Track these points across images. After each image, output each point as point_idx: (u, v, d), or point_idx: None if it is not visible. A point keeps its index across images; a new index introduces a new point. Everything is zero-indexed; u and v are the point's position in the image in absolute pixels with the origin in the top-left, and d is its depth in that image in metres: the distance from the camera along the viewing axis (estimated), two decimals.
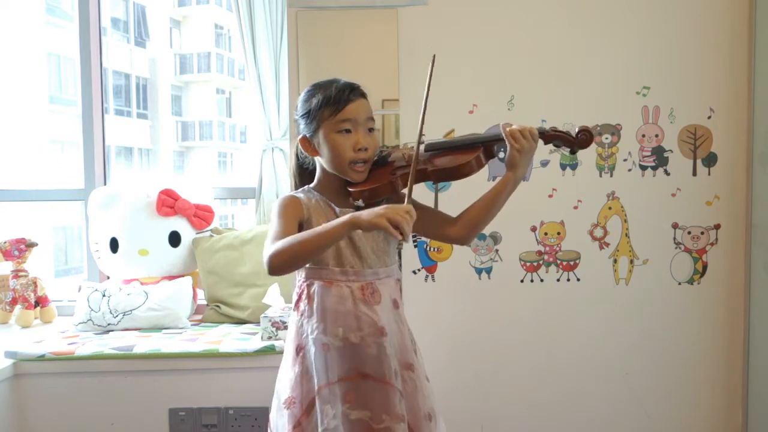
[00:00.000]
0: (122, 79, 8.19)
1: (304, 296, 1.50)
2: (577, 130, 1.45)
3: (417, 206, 1.53)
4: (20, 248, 2.69)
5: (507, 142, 1.43)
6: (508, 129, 1.43)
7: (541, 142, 1.47)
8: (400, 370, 1.50)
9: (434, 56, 1.46)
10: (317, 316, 1.47)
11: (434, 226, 1.53)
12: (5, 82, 3.11)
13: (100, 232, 2.67)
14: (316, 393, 1.46)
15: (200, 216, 2.71)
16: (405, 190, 1.38)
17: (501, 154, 1.93)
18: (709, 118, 2.20)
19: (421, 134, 1.43)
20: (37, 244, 2.73)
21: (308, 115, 1.48)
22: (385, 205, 1.30)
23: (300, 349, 1.49)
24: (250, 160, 3.00)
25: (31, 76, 3.55)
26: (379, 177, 1.47)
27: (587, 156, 2.21)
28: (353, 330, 1.45)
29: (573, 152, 1.49)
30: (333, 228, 1.31)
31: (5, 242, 2.68)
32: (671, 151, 2.21)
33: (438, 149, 1.51)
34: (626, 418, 2.27)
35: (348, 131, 1.45)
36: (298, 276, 1.53)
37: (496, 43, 2.19)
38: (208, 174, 9.45)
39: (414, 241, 2.23)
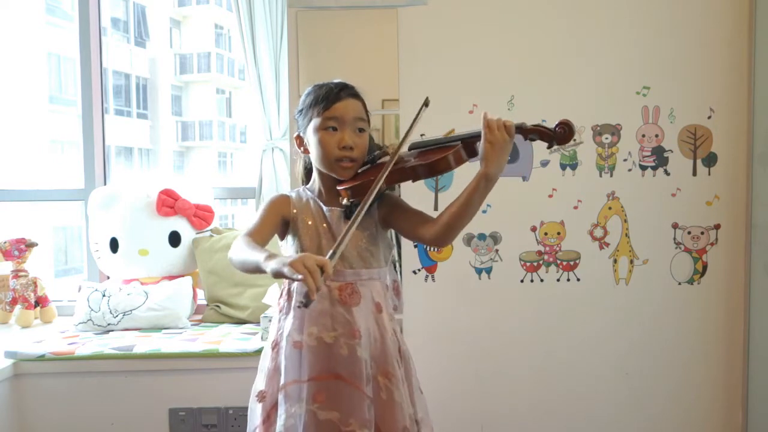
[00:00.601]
0: (122, 79, 8.19)
1: (284, 293, 1.53)
2: (555, 124, 1.38)
3: (399, 207, 1.53)
4: (20, 248, 2.69)
5: (482, 132, 1.36)
6: (487, 117, 1.36)
7: (520, 138, 1.40)
8: (377, 375, 1.47)
9: (427, 98, 1.45)
10: (293, 314, 1.48)
11: (411, 227, 1.50)
12: (5, 82, 3.11)
13: (100, 232, 2.67)
14: (280, 389, 1.47)
15: (200, 216, 2.71)
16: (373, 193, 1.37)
17: None
18: (709, 118, 2.20)
19: (406, 136, 1.44)
20: (37, 244, 2.73)
21: (301, 113, 1.52)
22: (303, 254, 1.23)
23: (275, 345, 1.51)
24: (250, 160, 3.00)
25: (31, 76, 3.55)
26: (364, 176, 1.48)
27: (587, 156, 2.21)
28: (328, 330, 1.46)
29: (550, 146, 1.40)
30: (260, 261, 1.29)
31: (5, 242, 2.68)
32: (671, 151, 2.21)
33: (419, 147, 1.51)
34: (626, 417, 2.27)
35: (334, 129, 1.46)
36: None
37: (496, 43, 2.19)
38: (208, 174, 9.44)
39: (415, 244, 2.22)
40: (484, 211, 2.17)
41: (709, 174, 2.22)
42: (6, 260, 2.68)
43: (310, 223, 1.49)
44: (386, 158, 1.49)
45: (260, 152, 2.74)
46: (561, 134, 1.37)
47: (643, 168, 2.22)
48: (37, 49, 3.71)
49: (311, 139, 1.48)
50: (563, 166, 2.21)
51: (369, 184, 1.42)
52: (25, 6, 3.34)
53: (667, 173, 2.22)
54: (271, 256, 1.27)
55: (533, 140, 1.41)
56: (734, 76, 2.19)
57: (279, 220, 1.49)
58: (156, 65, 8.71)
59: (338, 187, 1.48)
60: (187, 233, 2.68)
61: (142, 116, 8.39)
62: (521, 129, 1.38)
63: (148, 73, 8.54)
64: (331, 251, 1.29)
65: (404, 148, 1.48)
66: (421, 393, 1.57)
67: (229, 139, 9.31)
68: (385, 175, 1.40)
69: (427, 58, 2.17)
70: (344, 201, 1.46)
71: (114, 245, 2.64)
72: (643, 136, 2.21)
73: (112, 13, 7.66)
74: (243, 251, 1.37)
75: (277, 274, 1.24)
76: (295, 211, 1.50)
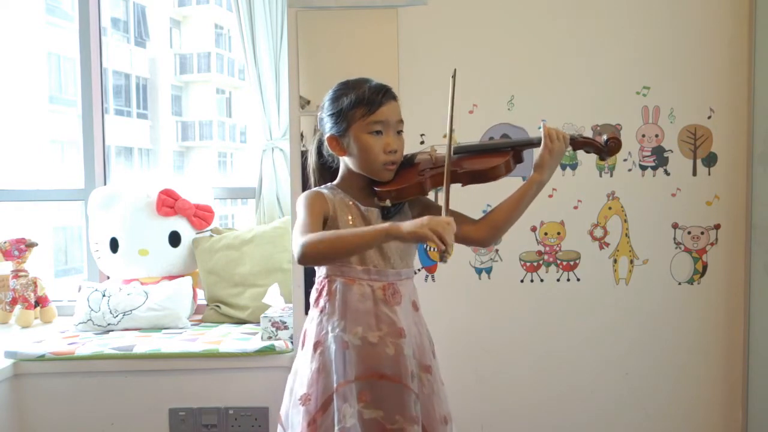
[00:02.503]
0: (122, 79, 8.19)
1: (324, 293, 1.49)
2: (605, 137, 1.48)
3: (427, 206, 1.55)
4: (20, 248, 2.69)
5: (542, 141, 1.46)
6: (548, 128, 1.46)
7: (569, 148, 1.50)
8: (418, 372, 1.50)
9: (455, 70, 1.47)
10: (338, 314, 1.47)
11: (457, 228, 1.51)
12: (5, 82, 3.11)
13: (100, 232, 2.67)
14: (334, 391, 1.44)
15: (200, 216, 2.71)
16: (441, 196, 1.40)
17: None
18: (709, 118, 2.20)
19: (451, 137, 1.45)
20: (37, 244, 2.74)
21: (338, 114, 1.48)
22: (427, 216, 1.29)
23: (318, 346, 1.48)
24: (250, 160, 3.00)
25: (31, 76, 3.55)
26: (406, 178, 1.48)
27: (587, 156, 2.21)
28: (372, 329, 1.46)
29: (602, 159, 1.52)
30: (372, 232, 1.32)
31: (5, 242, 2.68)
32: (671, 151, 2.21)
33: (467, 152, 1.52)
34: (626, 417, 2.26)
35: (379, 132, 1.46)
36: (319, 272, 1.53)
37: (497, 43, 2.19)
38: (208, 174, 9.44)
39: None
40: (484, 211, 2.17)
41: (709, 174, 2.22)
42: (6, 260, 2.69)
43: (350, 221, 1.47)
44: (424, 158, 1.51)
45: (260, 152, 2.74)
46: (612, 147, 1.48)
47: (643, 168, 2.22)
48: (37, 49, 3.71)
49: (353, 143, 1.46)
50: (563, 166, 2.21)
51: (412, 189, 1.45)
52: (25, 6, 3.34)
53: (667, 173, 2.22)
54: (394, 225, 1.31)
55: (588, 152, 1.53)
56: (734, 76, 2.19)
57: (323, 217, 1.46)
58: (156, 65, 8.71)
59: (377, 189, 1.48)
60: (187, 233, 2.68)
61: (142, 116, 8.39)
62: (574, 141, 1.49)
63: (148, 73, 8.54)
64: (443, 211, 1.34)
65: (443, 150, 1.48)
66: (443, 384, 1.60)
67: (229, 139, 9.30)
68: (447, 177, 1.41)
69: (427, 58, 2.17)
70: (386, 203, 1.47)
71: (114, 245, 2.64)
72: (643, 136, 2.21)
73: (112, 13, 7.66)
74: (334, 237, 1.35)
75: (415, 237, 1.28)
76: (332, 207, 1.48)
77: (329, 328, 1.47)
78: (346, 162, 1.51)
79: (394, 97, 1.50)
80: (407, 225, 1.30)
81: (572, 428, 2.27)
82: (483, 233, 1.50)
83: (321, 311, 1.50)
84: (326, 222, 1.47)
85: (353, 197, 1.51)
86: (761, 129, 2.15)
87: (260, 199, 2.76)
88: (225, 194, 2.96)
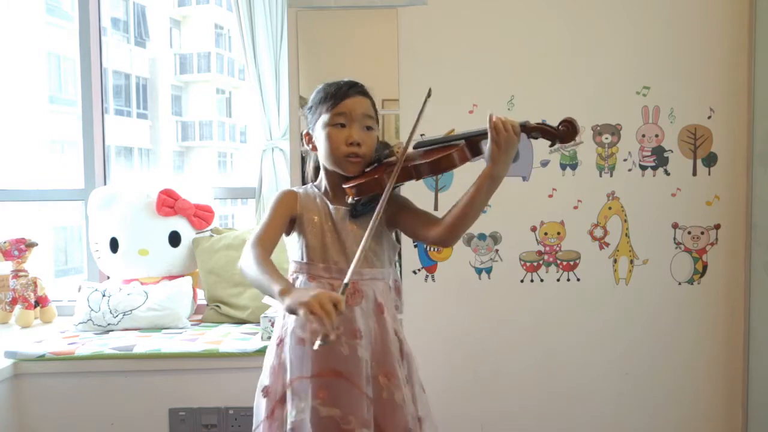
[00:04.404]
0: (122, 79, 8.20)
1: None
2: (559, 122, 1.38)
3: (405, 207, 1.53)
4: (20, 248, 2.69)
5: (488, 133, 1.37)
6: (493, 119, 1.37)
7: (523, 137, 1.40)
8: (378, 375, 1.47)
9: (429, 90, 1.45)
10: None
11: (416, 228, 1.51)
12: (5, 82, 3.11)
13: (100, 232, 2.67)
14: (288, 385, 1.47)
15: (200, 216, 2.71)
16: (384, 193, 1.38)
17: None
18: (709, 118, 2.20)
19: (411, 137, 1.45)
20: (37, 244, 2.73)
21: (310, 110, 1.52)
22: (318, 291, 1.23)
23: (280, 341, 1.52)
24: (250, 160, 3.00)
25: (31, 76, 3.55)
26: (369, 174, 1.48)
27: (587, 156, 2.21)
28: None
29: (553, 144, 1.41)
30: (270, 288, 1.31)
31: (5, 242, 2.68)
32: (671, 151, 2.21)
33: (424, 146, 1.51)
34: (626, 417, 2.27)
35: (342, 125, 1.46)
36: (289, 269, 1.55)
37: (497, 43, 2.19)
38: (208, 174, 9.45)
39: (414, 242, 2.23)
40: (484, 211, 2.17)
41: (709, 174, 2.22)
42: (6, 260, 2.68)
43: (315, 219, 1.49)
44: (393, 158, 1.50)
45: (260, 152, 2.74)
46: (564, 132, 1.37)
47: (643, 168, 2.22)
48: (37, 49, 3.71)
49: (319, 135, 1.49)
50: (563, 166, 2.21)
51: (374, 182, 1.43)
52: (25, 6, 3.34)
53: (667, 173, 2.22)
54: (285, 290, 1.27)
55: (536, 138, 1.41)
56: (734, 76, 2.19)
57: (287, 218, 1.49)
58: (156, 65, 8.72)
59: (344, 185, 1.48)
60: (187, 233, 2.68)
61: (142, 116, 8.39)
62: (525, 128, 1.39)
63: (148, 73, 8.55)
64: (345, 280, 1.28)
65: (410, 148, 1.48)
66: (423, 392, 1.57)
67: (229, 139, 9.31)
68: (397, 174, 1.40)
69: (427, 58, 2.17)
70: (349, 199, 1.47)
71: (114, 245, 2.64)
72: (643, 136, 2.21)
73: (112, 13, 7.67)
74: (256, 270, 1.37)
75: (291, 312, 1.25)
76: (301, 208, 1.50)
77: (288, 324, 1.50)
78: (320, 157, 1.53)
79: (362, 93, 1.50)
80: (294, 294, 1.25)
81: (572, 428, 2.27)
82: (441, 232, 1.43)
83: None
84: (294, 222, 1.51)
85: (326, 195, 1.52)
86: (761, 129, 2.15)
87: (260, 199, 2.75)
88: (225, 194, 2.96)
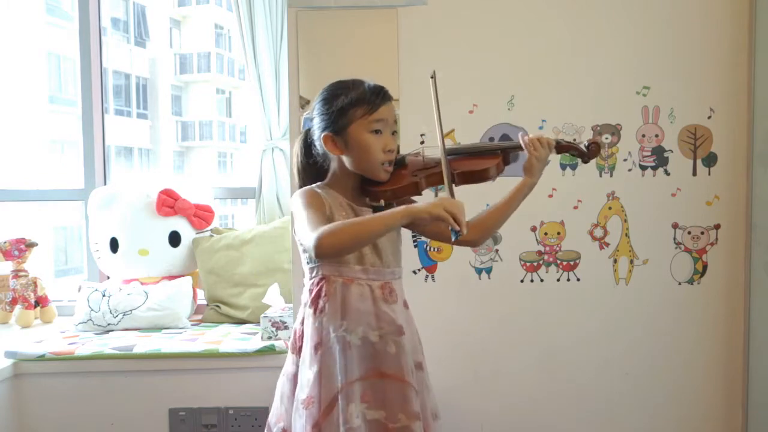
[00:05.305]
0: (122, 79, 8.19)
1: (322, 294, 1.47)
2: (586, 143, 1.58)
3: None
4: (20, 248, 2.69)
5: (526, 150, 1.53)
6: (527, 138, 1.53)
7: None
8: (414, 369, 1.52)
9: (434, 72, 1.48)
10: (339, 314, 1.45)
11: (445, 229, 1.49)
12: (5, 82, 3.11)
13: (100, 232, 2.67)
14: (339, 391, 1.43)
15: (200, 216, 2.72)
16: (441, 194, 1.42)
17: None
18: (709, 118, 2.20)
19: (443, 135, 1.48)
20: (37, 244, 2.74)
21: (337, 112, 1.47)
22: (440, 196, 1.34)
23: (319, 347, 1.46)
24: (250, 160, 3.00)
25: (31, 76, 3.55)
26: (400, 178, 1.49)
27: None
28: (373, 329, 1.46)
29: (585, 162, 1.62)
30: (390, 216, 1.33)
31: (5, 242, 2.68)
32: (671, 151, 2.21)
33: (459, 154, 1.56)
34: (626, 417, 2.26)
35: (378, 132, 1.46)
36: (312, 274, 1.50)
37: (497, 43, 2.19)
38: (208, 174, 9.45)
39: (414, 241, 2.23)
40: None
41: (709, 174, 2.22)
42: (6, 260, 2.69)
43: (342, 219, 1.46)
44: (415, 159, 1.54)
45: (260, 152, 2.74)
46: (592, 152, 1.58)
47: (643, 168, 2.22)
48: (37, 49, 3.70)
49: (352, 142, 1.46)
50: (563, 166, 2.21)
51: (407, 188, 1.48)
52: (25, 6, 3.34)
53: (667, 173, 2.22)
54: (407, 207, 1.33)
55: (572, 155, 1.66)
56: (734, 76, 2.19)
57: (325, 212, 1.45)
58: (156, 65, 8.71)
59: (372, 189, 1.49)
60: (187, 233, 2.68)
61: (142, 116, 8.39)
62: (559, 145, 1.57)
63: (148, 73, 8.54)
64: (447, 193, 1.41)
65: (436, 152, 1.50)
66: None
67: (229, 139, 9.31)
68: (447, 174, 1.44)
69: (427, 58, 2.17)
70: (380, 203, 1.49)
71: (114, 245, 2.64)
72: (643, 136, 2.21)
73: (112, 13, 7.66)
74: (348, 226, 1.33)
75: (433, 216, 1.31)
76: (330, 208, 1.47)
77: (331, 329, 1.46)
78: (342, 161, 1.50)
79: (390, 98, 1.51)
80: (424, 205, 1.32)
81: (572, 428, 2.27)
82: (475, 234, 1.53)
83: (320, 312, 1.47)
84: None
85: (345, 197, 1.51)
86: (761, 129, 2.15)
87: (260, 199, 2.76)
88: (225, 194, 2.96)
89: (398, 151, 1.53)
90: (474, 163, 1.50)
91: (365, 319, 1.46)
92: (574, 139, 1.71)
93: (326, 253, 1.35)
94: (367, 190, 1.50)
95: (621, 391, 2.26)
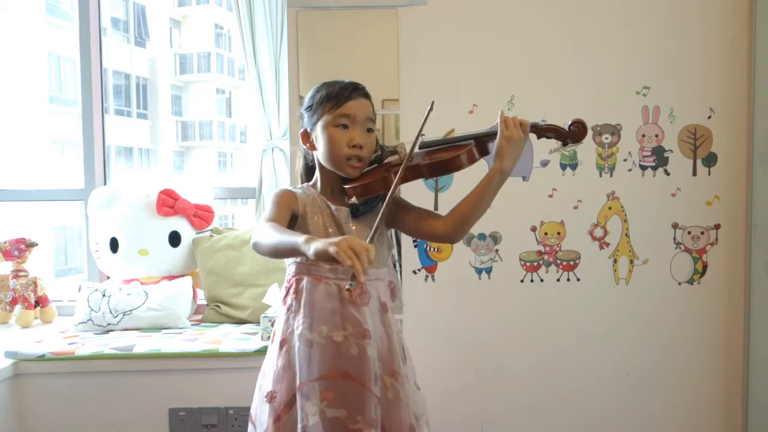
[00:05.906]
0: (122, 79, 8.20)
1: (292, 291, 1.50)
2: (569, 122, 1.45)
3: (402, 206, 1.55)
4: (20, 248, 2.69)
5: (498, 128, 1.43)
6: (504, 115, 1.44)
7: (534, 137, 1.47)
8: (384, 375, 1.49)
9: (432, 103, 1.45)
10: (303, 312, 1.47)
11: (419, 223, 1.51)
12: (5, 82, 3.11)
13: (100, 232, 2.67)
14: (297, 389, 1.45)
15: (200, 216, 2.71)
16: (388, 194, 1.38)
17: None
18: (709, 118, 2.20)
19: (418, 136, 1.45)
20: (37, 244, 2.73)
21: (310, 108, 1.51)
22: (347, 237, 1.21)
23: (284, 344, 1.49)
24: (250, 160, 3.00)
25: (31, 76, 3.55)
26: (372, 174, 1.48)
27: (587, 156, 2.21)
28: (337, 329, 1.45)
29: (565, 145, 1.47)
30: (294, 239, 1.27)
31: (5, 242, 2.68)
32: (671, 151, 2.21)
33: (431, 146, 1.52)
34: (626, 417, 2.27)
35: (345, 126, 1.46)
36: (288, 271, 1.53)
37: (496, 43, 2.19)
38: (208, 174, 9.45)
39: (414, 242, 2.23)
40: None
41: (709, 174, 2.22)
42: (6, 260, 2.68)
43: (317, 220, 1.48)
44: (393, 158, 1.51)
45: (260, 152, 2.74)
46: (576, 132, 1.44)
47: (643, 168, 2.22)
48: (37, 49, 3.71)
49: (320, 136, 1.48)
50: (563, 166, 2.21)
51: (380, 182, 1.44)
52: (25, 6, 3.34)
53: (667, 173, 2.22)
54: (310, 239, 1.24)
55: (549, 138, 1.46)
56: (734, 76, 2.19)
57: (289, 212, 1.47)
58: (156, 65, 8.71)
59: (345, 186, 1.48)
60: (187, 233, 2.68)
61: (142, 116, 8.39)
62: (537, 128, 1.45)
63: (148, 73, 8.54)
64: (369, 236, 1.30)
65: (416, 148, 1.48)
66: (418, 389, 1.57)
67: (229, 139, 9.31)
68: (401, 173, 1.40)
69: (427, 58, 2.17)
70: (352, 200, 1.47)
71: (114, 245, 2.64)
72: (643, 136, 2.21)
73: (112, 13, 7.66)
74: (274, 234, 1.33)
75: (321, 255, 1.19)
76: (303, 207, 1.49)
77: (294, 326, 1.47)
78: (316, 157, 1.52)
79: (365, 95, 1.50)
80: (318, 242, 1.21)
81: (572, 428, 2.27)
82: (449, 227, 1.47)
83: (288, 309, 1.49)
84: (296, 221, 1.48)
85: (325, 197, 1.52)
86: (761, 129, 2.15)
87: (260, 199, 2.75)
88: (225, 194, 2.96)
89: (381, 150, 1.52)
90: (444, 153, 1.46)
91: (331, 319, 1.45)
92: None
93: (255, 249, 1.37)
94: (343, 188, 1.50)
95: (621, 390, 2.26)
